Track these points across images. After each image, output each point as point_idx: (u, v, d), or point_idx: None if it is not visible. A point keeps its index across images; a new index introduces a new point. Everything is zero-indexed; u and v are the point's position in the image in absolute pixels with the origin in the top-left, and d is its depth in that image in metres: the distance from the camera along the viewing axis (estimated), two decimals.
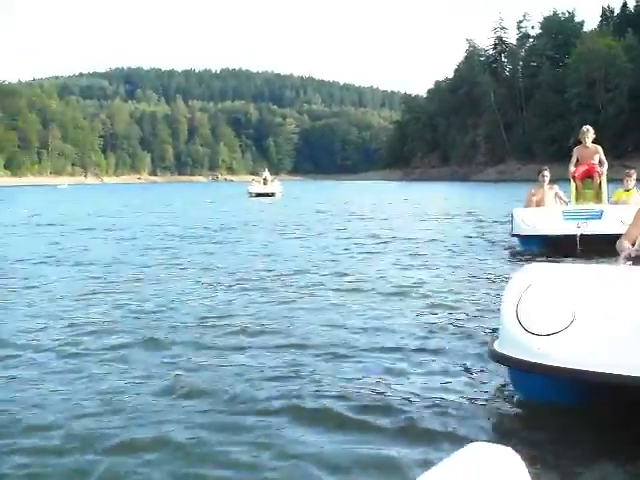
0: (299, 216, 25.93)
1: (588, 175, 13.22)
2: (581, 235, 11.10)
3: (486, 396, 4.56)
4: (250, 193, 49.09)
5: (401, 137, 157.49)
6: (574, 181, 13.28)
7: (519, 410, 4.30)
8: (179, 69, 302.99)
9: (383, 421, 4.15)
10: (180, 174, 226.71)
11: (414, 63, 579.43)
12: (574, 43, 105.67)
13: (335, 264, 11.47)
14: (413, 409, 4.30)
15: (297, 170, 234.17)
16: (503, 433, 4.01)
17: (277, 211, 31.43)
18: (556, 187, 13.29)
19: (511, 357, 4.07)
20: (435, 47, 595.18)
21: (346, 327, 6.62)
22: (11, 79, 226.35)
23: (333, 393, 4.61)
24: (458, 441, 3.57)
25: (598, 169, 13.11)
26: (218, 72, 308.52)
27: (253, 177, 58.84)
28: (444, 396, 4.53)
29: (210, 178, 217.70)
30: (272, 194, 48.64)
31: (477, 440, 1.16)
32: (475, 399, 4.48)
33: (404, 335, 6.19)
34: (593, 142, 13.19)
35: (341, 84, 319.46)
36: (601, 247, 8.22)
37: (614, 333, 3.85)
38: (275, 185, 51.84)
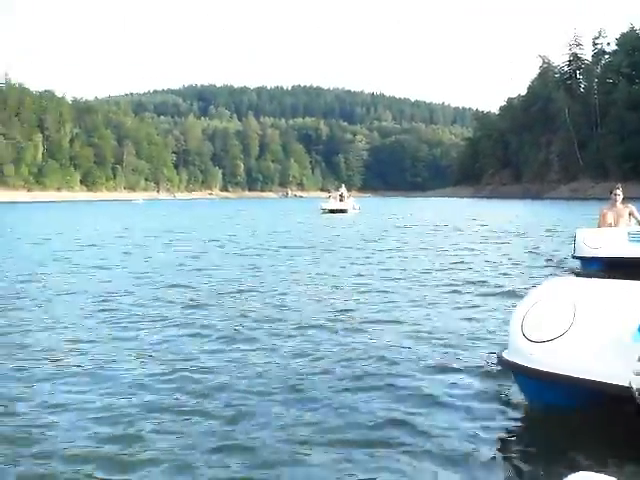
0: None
1: None
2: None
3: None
4: (323, 209, 49.19)
5: (472, 154, 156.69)
6: None
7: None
8: (251, 86, 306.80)
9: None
10: (250, 190, 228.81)
11: (486, 79, 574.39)
12: None
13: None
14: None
15: (366, 187, 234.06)
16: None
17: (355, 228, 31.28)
18: (631, 206, 12.69)
19: (512, 362, 4.38)
20: (508, 63, 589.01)
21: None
22: (87, 96, 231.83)
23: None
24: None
25: None
26: (289, 89, 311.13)
27: (330, 193, 58.86)
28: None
29: (280, 194, 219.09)
30: (345, 211, 48.50)
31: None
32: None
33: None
34: None
35: (412, 101, 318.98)
36: None
37: (601, 343, 4.11)
38: (349, 202, 51.75)
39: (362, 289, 10.93)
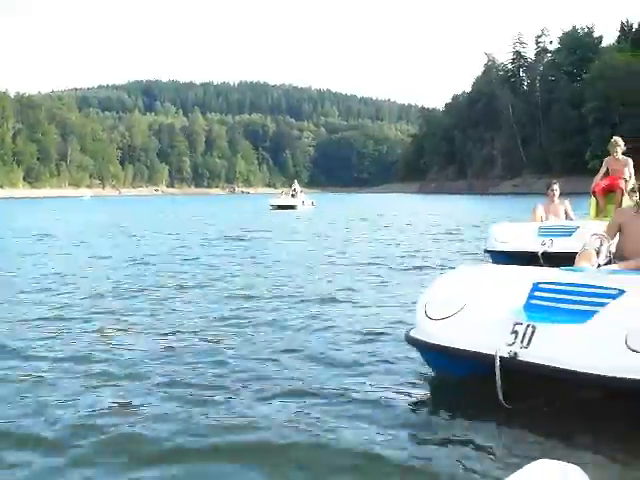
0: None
1: (611, 189, 12.69)
2: (544, 253, 10.81)
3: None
4: (272, 205, 49.00)
5: (418, 150, 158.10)
6: (594, 196, 12.90)
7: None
8: (197, 82, 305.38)
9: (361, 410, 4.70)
10: (197, 186, 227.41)
11: (431, 77, 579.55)
12: (592, 58, 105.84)
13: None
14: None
15: (313, 183, 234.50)
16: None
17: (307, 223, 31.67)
18: (567, 202, 12.78)
19: (416, 339, 5.02)
20: (453, 61, 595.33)
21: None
22: (30, 91, 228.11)
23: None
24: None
25: (622, 183, 12.48)
26: (236, 85, 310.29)
27: (282, 190, 58.61)
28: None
29: (227, 190, 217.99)
30: (294, 207, 48.18)
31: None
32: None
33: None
34: (623, 154, 12.71)
35: (358, 97, 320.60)
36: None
37: (487, 319, 4.70)
38: (301, 198, 51.41)
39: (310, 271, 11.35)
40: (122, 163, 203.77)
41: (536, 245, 11.08)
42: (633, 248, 5.83)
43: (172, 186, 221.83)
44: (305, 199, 52.42)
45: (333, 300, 9.20)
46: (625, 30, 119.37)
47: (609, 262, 5.88)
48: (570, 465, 1.49)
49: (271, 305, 8.81)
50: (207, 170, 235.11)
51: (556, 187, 12.63)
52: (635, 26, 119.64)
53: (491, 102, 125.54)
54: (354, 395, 4.91)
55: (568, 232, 11.15)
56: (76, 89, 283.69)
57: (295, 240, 20.55)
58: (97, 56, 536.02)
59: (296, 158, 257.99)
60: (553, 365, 4.14)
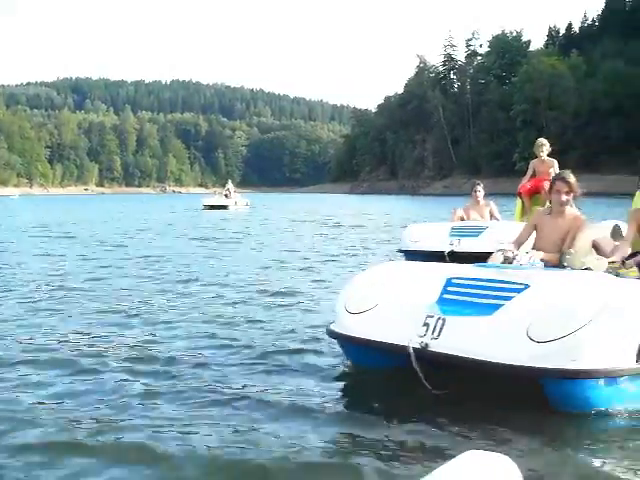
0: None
1: (536, 191, 12.62)
2: (450, 252, 11.05)
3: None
4: (204, 205, 48.37)
5: (350, 151, 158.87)
6: (520, 197, 12.91)
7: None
8: (128, 80, 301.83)
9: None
10: (128, 185, 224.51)
11: (364, 78, 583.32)
12: (520, 62, 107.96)
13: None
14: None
15: (246, 182, 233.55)
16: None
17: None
18: (492, 203, 12.93)
19: (336, 332, 5.29)
20: (385, 62, 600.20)
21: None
22: None
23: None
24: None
25: (547, 185, 11.57)
26: (168, 83, 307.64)
27: (215, 189, 57.86)
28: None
29: (158, 190, 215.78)
30: (226, 207, 47.46)
31: None
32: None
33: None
34: (548, 156, 12.69)
35: (291, 97, 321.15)
36: None
37: (402, 313, 5.00)
38: (234, 198, 50.64)
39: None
40: (51, 162, 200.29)
41: (444, 245, 11.34)
42: (542, 247, 6.15)
43: (102, 185, 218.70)
44: (239, 199, 51.84)
45: (259, 296, 9.39)
46: (552, 35, 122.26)
47: None
48: (500, 455, 1.50)
49: (192, 302, 8.95)
50: (138, 169, 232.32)
51: (480, 188, 12.78)
52: (562, 31, 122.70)
53: (422, 103, 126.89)
54: (274, 387, 5.07)
55: (476, 232, 11.47)
56: (3, 86, 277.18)
57: (227, 242, 20.48)
58: (25, 53, 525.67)
59: (228, 158, 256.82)
60: (460, 355, 4.41)
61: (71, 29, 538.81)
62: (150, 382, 5.30)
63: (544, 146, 12.61)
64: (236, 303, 8.90)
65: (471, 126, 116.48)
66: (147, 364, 5.80)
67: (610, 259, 5.60)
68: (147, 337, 6.89)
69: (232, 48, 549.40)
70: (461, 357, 4.41)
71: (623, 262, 5.63)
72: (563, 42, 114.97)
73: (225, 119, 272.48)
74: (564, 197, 6.09)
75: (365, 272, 5.87)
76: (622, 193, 14.75)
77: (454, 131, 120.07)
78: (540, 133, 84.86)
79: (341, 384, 5.26)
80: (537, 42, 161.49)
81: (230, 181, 58.30)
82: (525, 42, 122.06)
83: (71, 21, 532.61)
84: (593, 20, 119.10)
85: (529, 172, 12.78)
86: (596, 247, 6.06)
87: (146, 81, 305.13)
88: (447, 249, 11.16)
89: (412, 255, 11.42)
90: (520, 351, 4.27)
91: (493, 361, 4.29)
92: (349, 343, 5.27)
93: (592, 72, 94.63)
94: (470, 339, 4.49)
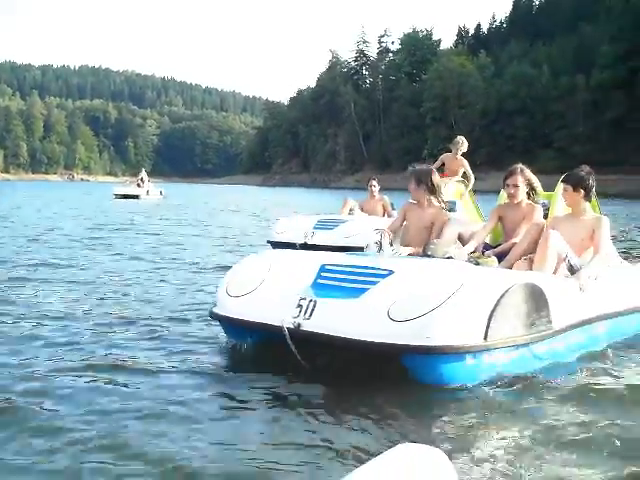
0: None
1: None
2: (303, 244, 11.53)
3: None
4: (115, 195, 47.10)
5: (262, 143, 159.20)
6: None
7: None
8: (36, 64, 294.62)
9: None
10: (34, 172, 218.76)
11: (277, 70, 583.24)
12: (431, 60, 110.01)
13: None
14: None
15: (156, 172, 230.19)
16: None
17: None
18: (385, 198, 13.41)
19: (217, 314, 5.67)
20: (298, 56, 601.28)
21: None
22: None
23: None
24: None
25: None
26: (77, 69, 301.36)
27: (127, 178, 56.40)
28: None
29: (66, 177, 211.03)
30: (137, 196, 46.35)
31: None
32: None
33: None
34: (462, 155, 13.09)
35: (203, 87, 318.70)
36: None
37: (278, 296, 5.45)
38: (146, 187, 49.60)
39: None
40: None
41: (299, 237, 11.89)
42: (410, 236, 6.78)
43: (7, 172, 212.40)
44: (152, 189, 50.89)
45: (147, 283, 9.58)
46: (462, 35, 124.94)
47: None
48: (433, 448, 1.51)
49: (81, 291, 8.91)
50: (45, 156, 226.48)
51: (375, 183, 13.41)
52: (471, 31, 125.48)
53: (334, 98, 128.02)
54: (158, 366, 5.29)
55: (332, 226, 12.17)
56: None
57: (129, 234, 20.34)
58: None
59: (139, 147, 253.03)
60: (329, 333, 4.85)
61: None
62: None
63: (463, 145, 13.02)
64: (128, 284, 9.07)
65: (382, 122, 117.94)
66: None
67: (465, 247, 6.17)
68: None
69: (143, 35, 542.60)
70: (330, 335, 4.82)
71: (483, 252, 6.20)
72: (472, 42, 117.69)
73: (135, 107, 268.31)
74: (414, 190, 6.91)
75: (246, 258, 6.26)
76: None
77: (365, 126, 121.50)
78: (449, 130, 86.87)
79: (221, 361, 5.58)
80: (447, 41, 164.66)
81: (144, 170, 56.97)
82: (436, 41, 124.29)
83: None
84: (501, 22, 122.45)
85: (437, 163, 12.94)
86: (461, 239, 6.58)
87: (54, 66, 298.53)
88: (300, 241, 11.69)
89: (276, 246, 12.01)
90: (381, 330, 4.71)
91: (358, 339, 4.72)
92: (230, 324, 5.65)
93: (499, 73, 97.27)
94: (338, 319, 4.92)
